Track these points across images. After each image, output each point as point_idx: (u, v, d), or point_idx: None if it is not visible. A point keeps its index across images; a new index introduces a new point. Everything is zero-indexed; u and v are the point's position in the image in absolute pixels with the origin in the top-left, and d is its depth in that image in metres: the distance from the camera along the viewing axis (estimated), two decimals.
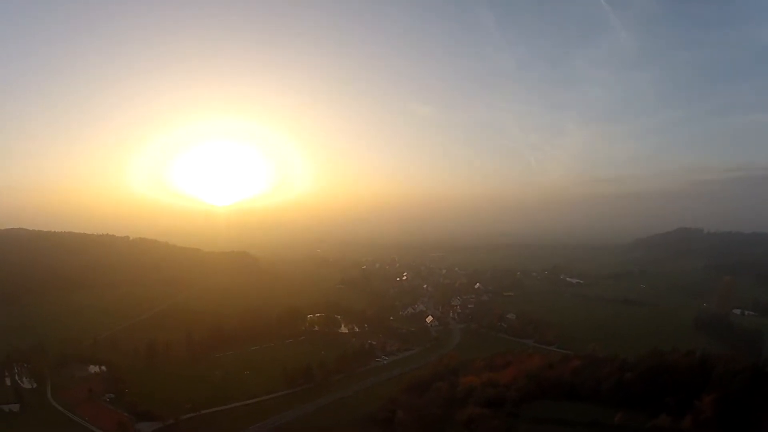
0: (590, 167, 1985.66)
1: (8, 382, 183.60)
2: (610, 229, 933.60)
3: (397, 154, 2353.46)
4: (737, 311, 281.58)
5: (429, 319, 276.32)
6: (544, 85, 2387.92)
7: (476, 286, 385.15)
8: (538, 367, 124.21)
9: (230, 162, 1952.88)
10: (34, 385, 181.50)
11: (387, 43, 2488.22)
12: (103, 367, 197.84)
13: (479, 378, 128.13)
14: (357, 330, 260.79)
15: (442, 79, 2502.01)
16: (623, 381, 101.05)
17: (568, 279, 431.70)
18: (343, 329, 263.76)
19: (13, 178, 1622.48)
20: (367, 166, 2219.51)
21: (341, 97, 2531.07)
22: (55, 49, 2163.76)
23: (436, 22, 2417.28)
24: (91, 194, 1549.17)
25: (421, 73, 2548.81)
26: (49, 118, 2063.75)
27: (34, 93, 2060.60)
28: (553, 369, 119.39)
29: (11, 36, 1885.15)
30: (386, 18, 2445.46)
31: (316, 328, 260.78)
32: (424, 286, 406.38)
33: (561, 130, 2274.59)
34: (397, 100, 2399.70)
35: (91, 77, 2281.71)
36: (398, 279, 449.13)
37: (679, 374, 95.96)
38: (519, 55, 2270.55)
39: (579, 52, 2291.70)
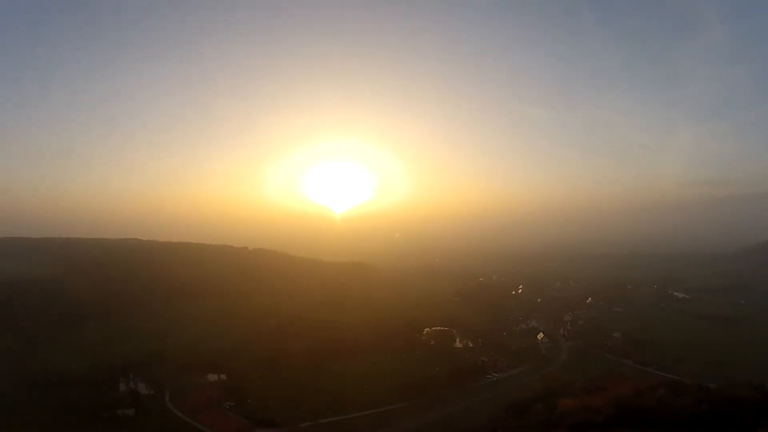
0: (697, 168, 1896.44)
1: (123, 387, 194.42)
2: (717, 235, 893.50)
3: (508, 158, 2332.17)
4: None
5: (540, 335, 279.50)
6: (648, 83, 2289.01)
7: (588, 301, 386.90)
8: (626, 394, 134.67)
9: (345, 166, 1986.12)
10: (152, 392, 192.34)
11: (494, 46, 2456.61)
12: (223, 376, 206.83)
13: (576, 401, 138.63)
14: (471, 345, 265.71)
15: (549, 81, 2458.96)
16: (698, 412, 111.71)
17: (675, 293, 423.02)
18: (458, 344, 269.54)
19: (128, 187, 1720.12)
20: (480, 172, 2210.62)
21: (452, 103, 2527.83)
22: (180, 57, 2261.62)
23: (539, 25, 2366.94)
24: (209, 204, 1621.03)
25: (529, 76, 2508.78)
26: (165, 127, 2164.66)
27: (152, 100, 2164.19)
28: (641, 397, 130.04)
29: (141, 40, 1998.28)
30: (493, 22, 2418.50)
31: (432, 342, 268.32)
32: (538, 299, 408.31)
33: (668, 129, 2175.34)
34: (505, 103, 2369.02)
35: (213, 87, 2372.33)
36: (513, 292, 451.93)
37: (747, 407, 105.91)
38: (621, 53, 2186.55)
39: (677, 48, 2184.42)
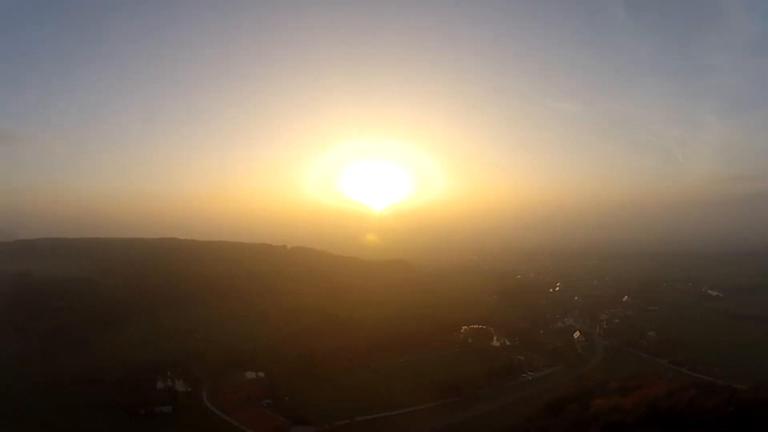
0: (727, 163, 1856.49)
1: (161, 385, 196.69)
2: (749, 231, 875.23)
3: (541, 153, 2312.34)
4: None
5: (576, 334, 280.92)
6: (678, 75, 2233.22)
7: (624, 299, 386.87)
8: (658, 395, 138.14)
9: (382, 164, 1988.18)
10: (189, 389, 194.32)
11: (523, 41, 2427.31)
12: (261, 374, 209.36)
13: (609, 401, 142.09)
14: (508, 343, 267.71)
15: (577, 74, 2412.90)
16: (726, 414, 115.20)
17: (709, 291, 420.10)
18: (495, 342, 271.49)
19: (166, 187, 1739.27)
20: (515, 168, 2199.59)
21: (485, 100, 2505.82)
22: (223, 54, 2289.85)
23: (568, 18, 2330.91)
24: (247, 202, 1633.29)
25: (557, 70, 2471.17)
26: (202, 126, 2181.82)
27: (188, 99, 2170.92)
28: (672, 398, 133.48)
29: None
30: (521, 17, 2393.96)
31: (470, 341, 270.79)
32: (575, 297, 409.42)
33: (696, 123, 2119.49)
34: (535, 98, 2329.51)
35: (250, 86, 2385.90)
36: (551, 290, 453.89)
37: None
38: (651, 45, 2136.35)
39: (706, 39, 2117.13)
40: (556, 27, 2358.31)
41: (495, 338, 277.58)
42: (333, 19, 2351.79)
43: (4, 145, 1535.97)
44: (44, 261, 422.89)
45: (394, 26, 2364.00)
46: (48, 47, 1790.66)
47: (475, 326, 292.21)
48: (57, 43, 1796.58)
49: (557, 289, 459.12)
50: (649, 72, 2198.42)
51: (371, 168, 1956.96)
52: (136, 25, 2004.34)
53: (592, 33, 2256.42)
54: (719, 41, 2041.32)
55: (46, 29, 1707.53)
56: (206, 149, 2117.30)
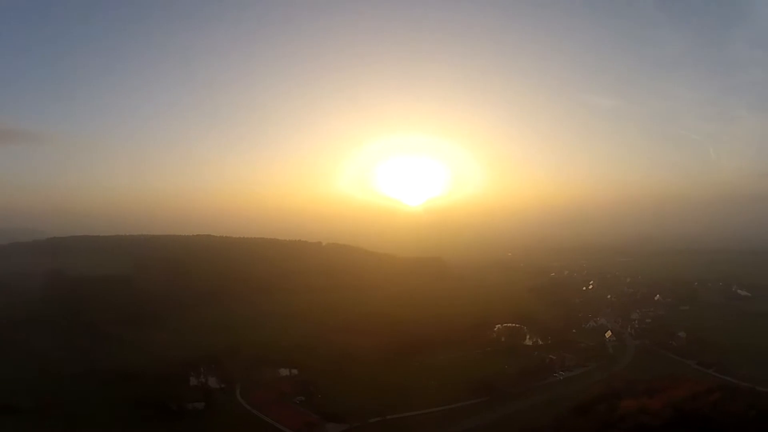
0: (764, 159, 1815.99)
1: (194, 382, 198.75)
2: None
3: (576, 149, 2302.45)
4: None
5: (608, 334, 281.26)
6: (712, 69, 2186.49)
7: (656, 298, 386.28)
8: (684, 397, 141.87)
9: (416, 160, 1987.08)
10: (222, 386, 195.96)
11: (557, 38, 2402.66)
12: (295, 370, 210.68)
13: (636, 403, 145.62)
14: (540, 342, 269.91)
15: (612, 69, 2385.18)
16: (748, 417, 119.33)
17: (738, 291, 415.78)
18: (528, 341, 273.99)
19: (203, 184, 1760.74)
20: (550, 163, 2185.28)
21: (520, 95, 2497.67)
22: (256, 52, 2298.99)
23: (601, 13, 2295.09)
24: (283, 199, 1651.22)
25: (592, 65, 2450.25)
26: (239, 124, 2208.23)
27: (226, 97, 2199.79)
28: (696, 401, 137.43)
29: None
30: (560, 14, 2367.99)
31: (503, 339, 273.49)
32: (608, 296, 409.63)
33: (732, 117, 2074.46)
34: (570, 93, 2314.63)
35: (287, 84, 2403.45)
36: (584, 288, 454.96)
37: None
38: (683, 38, 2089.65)
39: (738, 33, 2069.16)
40: (589, 23, 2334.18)
41: (528, 337, 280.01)
42: (370, 16, 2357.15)
43: (38, 144, 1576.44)
44: (77, 258, 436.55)
45: (429, 23, 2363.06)
46: (79, 46, 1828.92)
47: (508, 324, 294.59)
48: (89, 42, 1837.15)
49: (591, 287, 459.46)
50: (683, 66, 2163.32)
51: (406, 164, 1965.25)
52: (176, 25, 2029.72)
53: (624, 28, 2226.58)
54: (751, 36, 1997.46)
55: (77, 30, 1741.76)
56: (241, 147, 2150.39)
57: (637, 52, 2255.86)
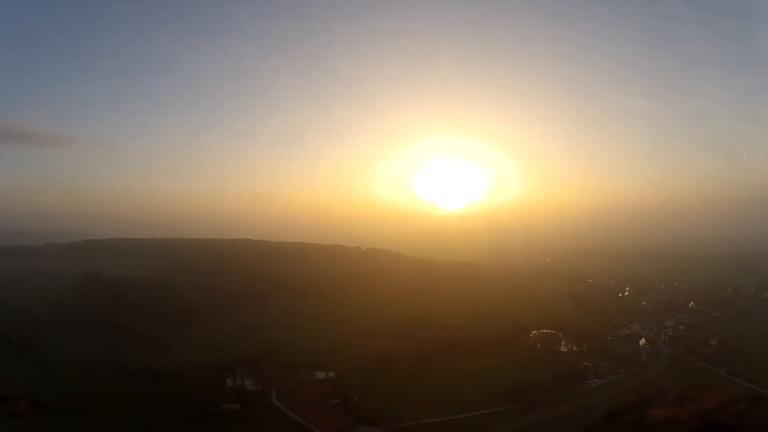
0: None
1: (230, 383, 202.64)
2: None
3: (612, 152, 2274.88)
4: None
5: (642, 341, 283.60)
6: (740, 68, 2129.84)
7: (690, 305, 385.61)
8: (711, 407, 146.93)
9: (455, 165, 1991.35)
10: (258, 388, 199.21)
11: (592, 40, 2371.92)
12: (331, 373, 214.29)
13: (665, 412, 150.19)
14: (575, 349, 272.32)
15: (644, 70, 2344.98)
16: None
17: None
18: (563, 348, 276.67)
19: (240, 188, 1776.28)
20: (586, 168, 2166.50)
21: (559, 98, 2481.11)
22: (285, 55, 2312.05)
23: (630, 11, 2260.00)
24: (321, 203, 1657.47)
25: (625, 66, 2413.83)
26: (276, 127, 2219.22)
27: (259, 99, 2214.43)
28: (723, 410, 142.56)
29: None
30: (594, 16, 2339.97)
31: (539, 346, 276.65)
32: (643, 303, 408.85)
33: (763, 117, 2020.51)
34: (606, 96, 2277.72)
35: (323, 87, 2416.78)
36: (620, 294, 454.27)
37: None
38: (711, 36, 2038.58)
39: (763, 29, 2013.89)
40: (621, 23, 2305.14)
41: (563, 343, 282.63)
42: (415, 17, 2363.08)
43: (77, 147, 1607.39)
44: (114, 260, 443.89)
45: (467, 27, 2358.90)
46: (121, 51, 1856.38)
47: (544, 330, 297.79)
48: (132, 45, 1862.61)
49: (626, 293, 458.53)
50: (709, 65, 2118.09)
51: (445, 169, 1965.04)
52: (219, 25, 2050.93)
53: (656, 28, 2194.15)
54: None
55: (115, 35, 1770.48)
56: (281, 151, 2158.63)
57: (666, 51, 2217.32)
